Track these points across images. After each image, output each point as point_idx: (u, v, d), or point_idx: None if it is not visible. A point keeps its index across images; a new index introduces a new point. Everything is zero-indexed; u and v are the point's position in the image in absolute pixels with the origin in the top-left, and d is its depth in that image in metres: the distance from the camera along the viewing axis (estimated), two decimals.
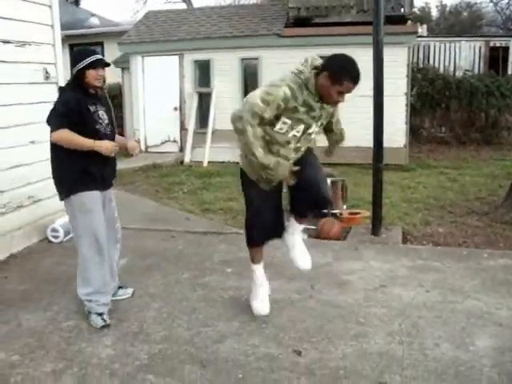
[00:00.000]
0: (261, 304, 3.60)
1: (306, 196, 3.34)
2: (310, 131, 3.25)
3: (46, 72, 5.39)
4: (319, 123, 3.29)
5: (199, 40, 11.57)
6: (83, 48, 3.65)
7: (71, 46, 16.42)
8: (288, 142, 3.22)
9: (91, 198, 3.52)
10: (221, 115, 11.27)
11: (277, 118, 3.13)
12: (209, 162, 10.96)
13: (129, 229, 5.92)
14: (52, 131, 3.39)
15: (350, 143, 10.03)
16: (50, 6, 5.46)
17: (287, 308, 3.80)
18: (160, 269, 4.69)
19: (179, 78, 11.81)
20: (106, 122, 3.60)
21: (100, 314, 3.60)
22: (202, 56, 11.55)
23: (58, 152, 3.46)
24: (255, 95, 3.06)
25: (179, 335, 3.46)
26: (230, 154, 11.08)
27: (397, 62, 9.81)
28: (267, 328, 3.52)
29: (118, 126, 12.69)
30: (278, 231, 3.55)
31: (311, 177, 3.30)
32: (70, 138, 3.37)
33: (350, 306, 3.83)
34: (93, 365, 3.12)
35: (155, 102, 11.96)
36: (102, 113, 3.57)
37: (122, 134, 13.93)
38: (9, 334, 3.55)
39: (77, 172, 3.47)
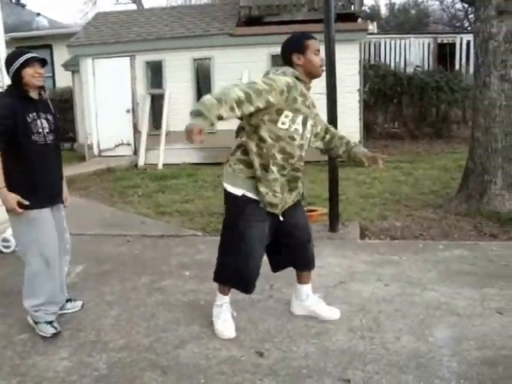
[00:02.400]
0: (225, 324, 3.42)
1: (292, 255, 3.51)
2: (307, 126, 3.20)
3: None
4: (312, 118, 3.26)
5: (150, 41, 11.44)
6: (15, 51, 3.49)
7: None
8: (292, 138, 3.12)
9: (38, 214, 3.38)
10: (174, 116, 11.18)
11: (279, 112, 3.06)
12: (164, 165, 10.84)
13: (84, 235, 5.83)
14: None
15: None
16: None
17: (247, 309, 3.75)
18: (116, 275, 4.59)
19: (131, 80, 11.65)
20: (47, 130, 3.43)
21: (50, 322, 3.48)
22: (153, 57, 11.42)
23: (5, 164, 3.29)
24: (255, 81, 3.01)
25: (138, 342, 3.37)
26: (184, 155, 11.00)
27: (349, 59, 9.92)
28: None
29: (69, 130, 12.46)
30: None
31: (300, 239, 3.48)
32: None
33: None
34: (48, 379, 3.00)
35: (107, 104, 11.75)
36: (42, 121, 3.41)
37: (73, 138, 13.67)
38: None
39: (23, 191, 3.30)
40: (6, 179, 3.29)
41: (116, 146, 11.95)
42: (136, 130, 11.73)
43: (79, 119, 12.79)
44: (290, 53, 3.19)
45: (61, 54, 14.35)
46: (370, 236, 5.68)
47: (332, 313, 3.61)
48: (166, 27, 11.86)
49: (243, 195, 3.18)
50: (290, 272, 4.41)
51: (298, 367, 3.00)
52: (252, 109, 2.91)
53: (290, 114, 3.08)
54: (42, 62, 3.41)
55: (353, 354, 3.11)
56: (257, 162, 3.12)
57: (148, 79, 11.63)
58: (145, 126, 11.42)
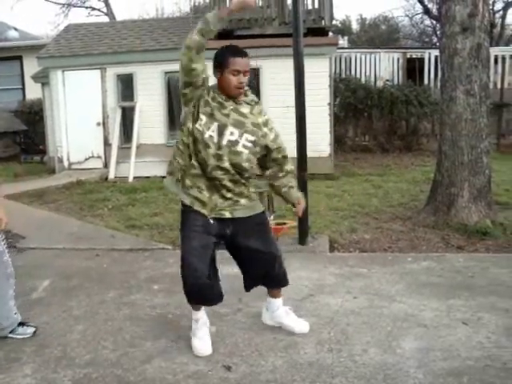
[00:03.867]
0: (200, 342, 3.37)
1: (260, 276, 3.48)
2: (231, 138, 3.11)
3: None
4: (242, 131, 3.14)
5: (121, 54, 11.38)
6: None
7: None
8: (206, 145, 3.08)
9: None
10: (145, 129, 11.13)
11: (196, 113, 3.11)
12: (134, 178, 10.75)
13: (52, 249, 5.74)
14: None
15: None
16: None
17: (216, 323, 3.72)
18: (84, 289, 4.52)
19: (102, 93, 11.57)
20: None
21: None
22: (124, 70, 11.36)
23: None
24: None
25: (105, 357, 3.33)
26: (155, 168, 10.94)
27: (319, 73, 10.01)
28: None
29: (39, 142, 12.28)
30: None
31: (265, 262, 3.42)
32: None
33: None
34: None
35: (78, 117, 11.63)
36: None
37: (43, 151, 13.49)
38: None
39: None
40: None
41: (86, 159, 11.81)
42: (106, 143, 11.62)
43: (49, 132, 12.61)
44: (214, 66, 3.20)
45: (31, 66, 14.18)
46: (340, 249, 5.71)
47: (301, 326, 3.60)
48: (137, 40, 11.82)
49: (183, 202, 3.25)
50: (260, 286, 4.40)
51: (265, 381, 2.99)
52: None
53: (204, 118, 3.10)
54: None
55: (321, 367, 3.11)
56: (186, 153, 3.16)
57: (119, 92, 11.55)
58: (115, 139, 11.32)
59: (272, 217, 6.52)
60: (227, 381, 3.00)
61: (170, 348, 3.41)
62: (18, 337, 3.62)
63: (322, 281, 4.55)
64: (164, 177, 3.50)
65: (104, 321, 3.86)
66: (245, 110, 3.19)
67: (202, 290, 3.23)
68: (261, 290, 4.16)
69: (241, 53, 3.13)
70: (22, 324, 3.68)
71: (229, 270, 4.82)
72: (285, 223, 6.11)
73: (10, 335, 3.60)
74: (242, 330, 3.62)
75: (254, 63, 10.15)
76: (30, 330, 3.69)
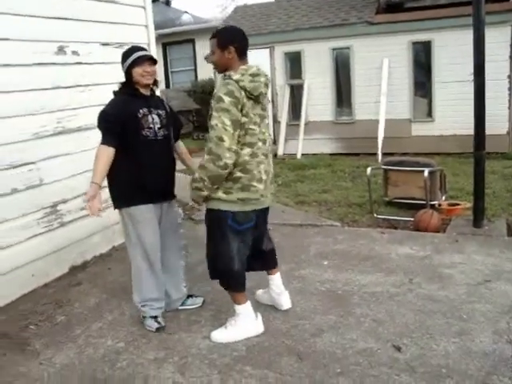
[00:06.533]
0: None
1: None
2: None
3: None
4: None
5: (289, 32, 11.53)
6: (128, 48, 3.53)
7: (164, 45, 17.00)
8: None
9: (142, 211, 3.44)
10: (313, 106, 11.21)
11: None
12: (302, 155, 10.92)
13: None
14: (101, 142, 3.34)
15: (447, 132, 9.77)
16: (144, 8, 5.65)
17: (385, 302, 3.71)
18: None
19: (270, 71, 11.81)
20: (158, 125, 3.45)
21: (154, 317, 3.58)
22: (292, 48, 11.49)
23: (112, 164, 3.36)
24: None
25: (276, 328, 3.46)
26: (323, 145, 11.03)
27: (498, 43, 9.26)
28: (365, 322, 3.46)
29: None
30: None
31: None
32: (99, 158, 3.29)
33: (452, 302, 3.67)
34: (192, 354, 3.20)
35: None
36: (153, 116, 3.44)
37: None
38: (114, 322, 3.73)
39: (128, 187, 3.41)
40: (113, 176, 3.40)
41: None
42: (275, 120, 11.90)
43: None
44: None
45: (203, 48, 14.94)
46: None
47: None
48: (304, 17, 11.89)
49: None
50: (431, 267, 4.30)
51: (437, 366, 2.91)
52: None
53: None
54: (152, 61, 3.44)
55: (498, 358, 2.95)
56: None
57: (287, 70, 11.73)
58: (284, 117, 11.56)
59: (444, 197, 6.29)
60: (397, 361, 2.98)
61: (339, 323, 3.46)
62: (189, 307, 3.86)
63: (499, 266, 4.28)
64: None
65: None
66: None
67: None
68: (434, 272, 4.05)
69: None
70: (190, 296, 3.92)
71: (398, 250, 4.78)
72: (458, 204, 5.86)
73: (181, 307, 3.85)
74: (413, 311, 3.55)
75: (424, 36, 9.78)
76: (199, 300, 3.93)
